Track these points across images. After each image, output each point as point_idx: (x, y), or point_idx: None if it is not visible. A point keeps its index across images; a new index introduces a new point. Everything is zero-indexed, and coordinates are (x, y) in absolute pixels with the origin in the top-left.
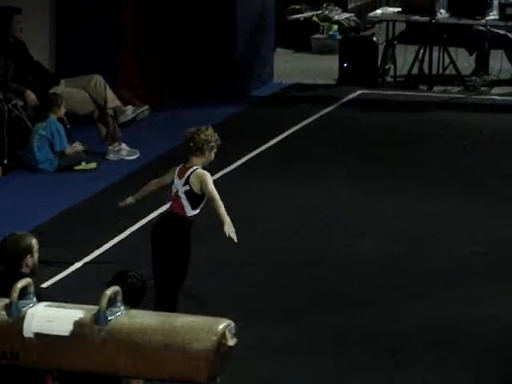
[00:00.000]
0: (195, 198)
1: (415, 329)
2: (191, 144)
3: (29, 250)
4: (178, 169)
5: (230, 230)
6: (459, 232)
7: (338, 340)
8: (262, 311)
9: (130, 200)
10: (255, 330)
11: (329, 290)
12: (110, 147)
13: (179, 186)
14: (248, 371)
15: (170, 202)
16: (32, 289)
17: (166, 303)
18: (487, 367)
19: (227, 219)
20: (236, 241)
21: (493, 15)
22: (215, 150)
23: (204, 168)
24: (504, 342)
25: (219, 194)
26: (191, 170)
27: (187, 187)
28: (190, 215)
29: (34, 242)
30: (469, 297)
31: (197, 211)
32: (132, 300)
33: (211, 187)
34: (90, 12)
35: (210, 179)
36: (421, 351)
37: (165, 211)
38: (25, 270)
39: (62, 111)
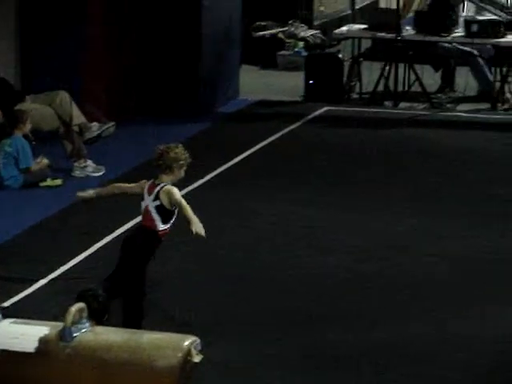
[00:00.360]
0: (165, 212)
1: (387, 344)
2: (160, 162)
3: None
4: (147, 185)
5: (196, 226)
6: (424, 247)
7: (307, 356)
8: (229, 327)
9: (90, 193)
10: (222, 345)
11: (296, 306)
12: (76, 164)
13: (149, 202)
14: None
15: (142, 218)
16: None
17: (130, 316)
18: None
19: (194, 218)
20: (204, 235)
21: (458, 32)
22: (185, 167)
23: (173, 184)
24: (480, 356)
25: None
26: (160, 186)
27: (157, 202)
28: (160, 229)
29: None
30: (443, 311)
31: (167, 226)
32: (95, 316)
33: (178, 196)
34: (55, 28)
35: (176, 191)
36: (394, 366)
37: (136, 224)
38: None
39: (28, 127)
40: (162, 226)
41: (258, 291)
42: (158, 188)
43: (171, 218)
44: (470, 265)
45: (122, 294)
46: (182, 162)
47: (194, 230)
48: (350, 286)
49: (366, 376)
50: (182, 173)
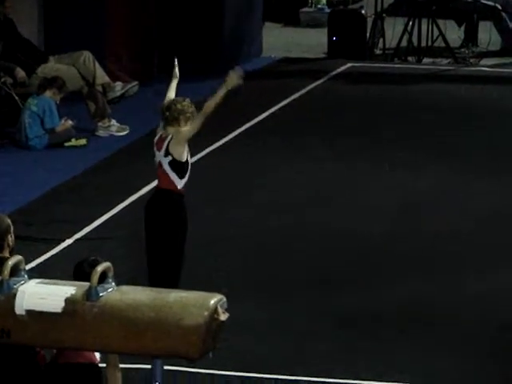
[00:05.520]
0: (179, 166)
1: (409, 302)
2: (167, 114)
3: (9, 229)
4: (156, 139)
5: (229, 82)
6: (450, 204)
7: (329, 317)
8: (247, 288)
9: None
10: (242, 306)
11: (313, 266)
12: (100, 123)
13: (161, 158)
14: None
15: (158, 179)
16: (23, 266)
17: (164, 282)
18: (478, 344)
19: (221, 90)
20: (242, 73)
21: None
22: (191, 121)
23: None
24: (497, 318)
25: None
26: (167, 140)
27: (169, 158)
28: (180, 187)
29: (10, 221)
30: (461, 272)
31: (185, 180)
32: None
33: (189, 132)
34: None
35: (183, 134)
36: (413, 325)
37: (154, 189)
38: (6, 251)
39: (59, 96)
40: (181, 183)
41: (278, 252)
42: (166, 142)
43: (187, 171)
44: (497, 223)
45: (157, 262)
46: (188, 115)
47: (229, 83)
48: (373, 246)
49: (385, 336)
50: (189, 126)
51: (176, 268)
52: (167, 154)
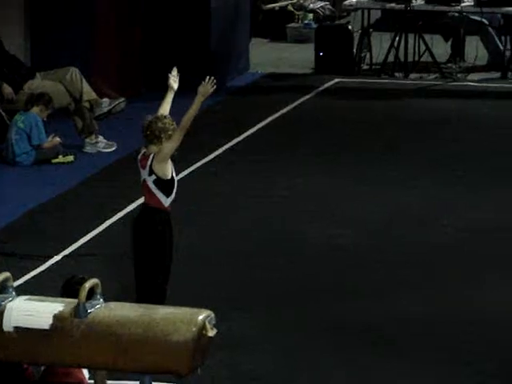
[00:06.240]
0: (165, 184)
1: (398, 316)
2: (148, 132)
3: None
4: (139, 157)
5: (202, 92)
6: (439, 218)
7: (323, 328)
8: (241, 301)
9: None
10: (235, 320)
11: (307, 279)
12: (87, 140)
13: (146, 176)
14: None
15: (144, 196)
16: (11, 283)
17: (151, 299)
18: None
19: (195, 105)
20: (214, 81)
21: (468, 2)
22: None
23: None
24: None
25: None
26: (150, 159)
27: (154, 177)
28: (167, 205)
29: None
30: (454, 283)
31: (172, 197)
32: None
33: (168, 150)
34: (65, 4)
35: (165, 152)
36: (403, 338)
37: (142, 205)
38: None
39: (46, 113)
40: (167, 201)
41: (268, 266)
42: (149, 161)
43: (173, 188)
44: (487, 235)
45: (143, 277)
46: (170, 133)
47: (203, 92)
48: (363, 259)
49: (375, 348)
50: (169, 143)
51: (161, 284)
52: (151, 172)
